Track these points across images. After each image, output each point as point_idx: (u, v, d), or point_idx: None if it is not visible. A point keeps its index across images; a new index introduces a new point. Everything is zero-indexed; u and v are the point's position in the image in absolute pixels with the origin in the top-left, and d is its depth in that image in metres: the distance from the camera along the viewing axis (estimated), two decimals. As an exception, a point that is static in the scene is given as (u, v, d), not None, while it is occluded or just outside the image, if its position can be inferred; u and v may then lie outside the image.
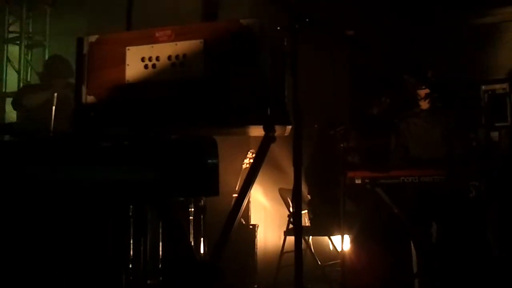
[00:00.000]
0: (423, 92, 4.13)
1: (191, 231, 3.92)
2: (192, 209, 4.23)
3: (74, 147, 1.90)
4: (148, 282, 2.13)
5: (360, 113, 5.59)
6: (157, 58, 2.04)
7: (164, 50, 2.03)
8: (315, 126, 5.11)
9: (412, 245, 3.97)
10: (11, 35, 6.49)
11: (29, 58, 6.51)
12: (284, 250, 4.75)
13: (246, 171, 2.16)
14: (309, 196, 5.09)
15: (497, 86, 5.72)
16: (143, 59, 2.05)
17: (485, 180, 3.57)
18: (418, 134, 4.16)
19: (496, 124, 5.45)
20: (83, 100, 2.12)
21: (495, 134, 5.29)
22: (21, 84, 6.24)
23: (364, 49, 2.27)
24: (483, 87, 5.67)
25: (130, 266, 2.05)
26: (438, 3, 6.37)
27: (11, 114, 5.56)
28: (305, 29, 1.96)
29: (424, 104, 4.15)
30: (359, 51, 2.24)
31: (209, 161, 1.86)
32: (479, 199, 3.59)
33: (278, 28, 2.05)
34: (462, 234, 3.71)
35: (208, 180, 1.86)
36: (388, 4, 6.13)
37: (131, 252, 2.05)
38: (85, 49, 2.14)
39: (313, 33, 2.00)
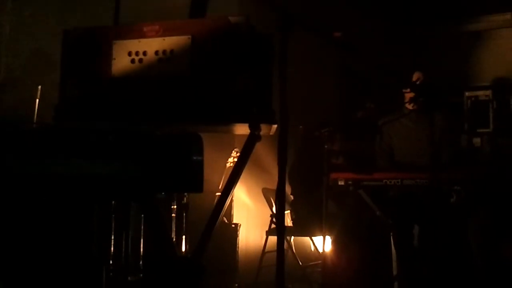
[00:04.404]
0: (408, 95, 4.16)
1: (173, 228, 3.90)
2: (175, 207, 4.21)
3: (57, 141, 1.88)
4: (129, 278, 2.12)
5: (346, 116, 5.63)
6: (144, 53, 2.03)
7: (151, 45, 2.02)
8: (300, 127, 5.12)
9: (392, 247, 3.99)
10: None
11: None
12: (266, 250, 4.75)
13: (230, 170, 2.16)
14: (292, 197, 5.10)
15: (480, 92, 5.79)
16: (130, 54, 2.04)
17: (466, 186, 3.60)
18: (404, 134, 4.19)
19: (478, 130, 5.51)
20: (68, 93, 2.09)
21: (477, 140, 5.36)
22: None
23: (351, 51, 2.27)
24: (466, 93, 5.73)
25: (111, 262, 2.03)
26: (424, 10, 6.42)
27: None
28: (293, 29, 1.96)
29: (410, 106, 4.18)
30: (346, 53, 2.24)
31: (194, 157, 1.86)
32: (460, 204, 3.62)
33: (267, 27, 2.05)
34: (443, 238, 3.74)
35: (192, 176, 1.86)
36: (373, 10, 6.16)
37: (112, 248, 2.04)
38: (72, 42, 2.11)
39: (301, 33, 2.00)
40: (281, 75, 1.96)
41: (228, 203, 2.16)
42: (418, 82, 4.11)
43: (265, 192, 5.11)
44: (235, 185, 2.12)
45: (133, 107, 2.03)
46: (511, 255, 3.78)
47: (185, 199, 3.92)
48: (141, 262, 2.23)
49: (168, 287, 2.07)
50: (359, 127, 4.78)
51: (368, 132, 4.45)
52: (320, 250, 4.50)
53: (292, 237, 5.05)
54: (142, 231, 2.21)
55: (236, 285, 4.83)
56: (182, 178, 1.85)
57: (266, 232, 4.85)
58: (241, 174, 2.11)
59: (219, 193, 3.96)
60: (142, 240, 2.22)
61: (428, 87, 4.12)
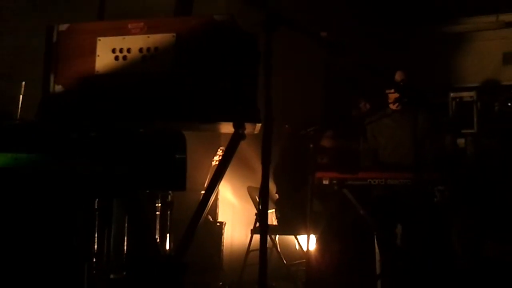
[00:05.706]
0: (392, 96, 4.19)
1: (157, 226, 3.89)
2: (159, 204, 4.20)
3: (40, 137, 1.87)
4: (112, 276, 2.11)
5: (332, 115, 5.64)
6: (128, 50, 2.02)
7: (135, 42, 2.01)
8: (285, 126, 5.13)
9: (376, 246, 4.02)
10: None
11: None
12: (251, 248, 4.75)
13: (215, 168, 2.16)
14: (277, 195, 5.11)
15: (465, 93, 5.83)
16: (114, 50, 2.03)
17: (450, 186, 3.64)
18: (387, 134, 4.22)
19: (463, 131, 5.56)
20: (51, 89, 2.08)
21: (461, 141, 5.40)
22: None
23: (336, 50, 2.28)
24: (451, 94, 5.78)
25: (94, 259, 2.02)
26: (408, 10, 6.47)
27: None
28: (279, 28, 1.96)
29: (394, 107, 4.21)
30: (332, 53, 2.25)
31: (177, 155, 1.85)
32: (443, 204, 3.66)
33: (253, 25, 2.05)
34: (426, 237, 3.77)
35: (175, 175, 1.86)
36: (359, 10, 6.18)
37: (95, 246, 2.03)
38: (55, 38, 2.10)
39: (287, 32, 2.00)
40: (266, 73, 1.96)
41: (212, 201, 2.15)
42: (402, 83, 4.14)
43: (250, 191, 5.11)
44: (219, 183, 2.12)
45: (116, 104, 2.02)
46: (494, 255, 3.82)
47: (169, 197, 3.90)
48: (124, 260, 2.22)
49: (151, 285, 2.06)
50: (352, 126, 4.80)
51: (360, 131, 4.48)
52: (305, 249, 4.51)
53: (277, 236, 5.06)
54: (125, 228, 2.20)
55: (221, 283, 4.84)
56: (165, 176, 1.84)
57: (251, 230, 4.85)
58: (225, 172, 2.11)
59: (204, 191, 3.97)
60: (125, 238, 2.21)
61: (412, 88, 4.16)
